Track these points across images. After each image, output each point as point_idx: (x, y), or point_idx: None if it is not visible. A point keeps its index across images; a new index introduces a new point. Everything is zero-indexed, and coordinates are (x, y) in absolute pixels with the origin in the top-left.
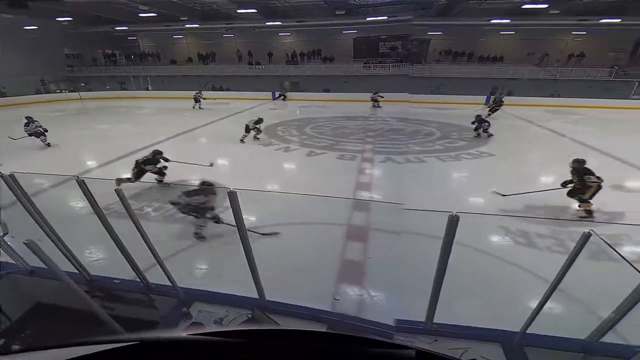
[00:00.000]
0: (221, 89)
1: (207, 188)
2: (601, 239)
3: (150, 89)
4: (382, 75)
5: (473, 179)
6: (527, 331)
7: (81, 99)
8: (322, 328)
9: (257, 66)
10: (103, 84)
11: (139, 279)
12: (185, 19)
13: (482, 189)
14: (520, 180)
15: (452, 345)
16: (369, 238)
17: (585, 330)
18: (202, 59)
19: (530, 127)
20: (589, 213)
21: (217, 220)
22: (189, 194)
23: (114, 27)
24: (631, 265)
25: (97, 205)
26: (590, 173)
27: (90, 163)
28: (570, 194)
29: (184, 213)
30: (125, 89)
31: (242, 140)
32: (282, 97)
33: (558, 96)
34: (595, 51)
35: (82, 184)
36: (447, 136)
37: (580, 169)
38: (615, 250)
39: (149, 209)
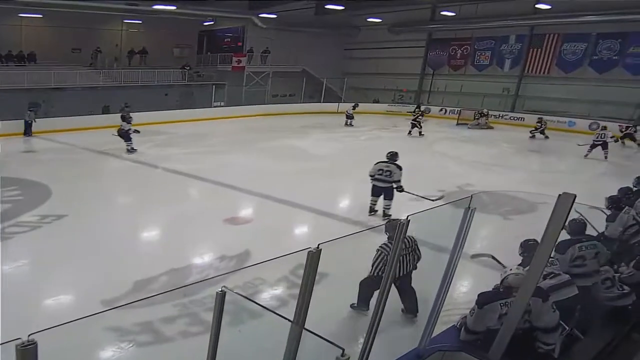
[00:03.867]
0: None
1: None
2: (236, 293)
3: None
4: None
5: (33, 267)
6: None
7: None
8: None
9: None
10: None
11: None
12: None
13: (58, 287)
14: (94, 246)
15: None
16: None
17: None
18: None
19: (106, 160)
20: None
21: None
22: None
23: None
24: (274, 312)
25: None
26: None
27: None
28: None
29: None
30: None
31: None
32: None
33: (127, 108)
34: (158, 47)
35: None
36: None
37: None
38: (253, 301)
39: None
